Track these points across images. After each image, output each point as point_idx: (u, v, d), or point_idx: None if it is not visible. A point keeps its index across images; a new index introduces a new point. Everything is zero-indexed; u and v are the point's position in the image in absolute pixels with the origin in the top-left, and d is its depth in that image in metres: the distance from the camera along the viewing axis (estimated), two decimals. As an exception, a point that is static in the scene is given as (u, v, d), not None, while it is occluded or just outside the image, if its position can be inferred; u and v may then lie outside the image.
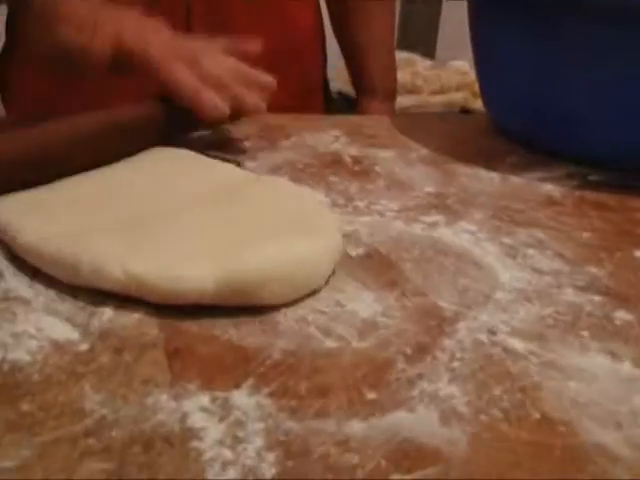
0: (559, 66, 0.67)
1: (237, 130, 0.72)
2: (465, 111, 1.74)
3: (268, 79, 0.68)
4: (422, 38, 2.33)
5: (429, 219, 0.56)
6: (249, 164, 0.63)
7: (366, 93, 1.11)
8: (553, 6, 0.64)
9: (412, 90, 1.69)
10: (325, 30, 1.10)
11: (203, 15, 0.89)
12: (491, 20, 0.73)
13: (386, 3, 1.11)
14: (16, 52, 0.95)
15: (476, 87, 1.74)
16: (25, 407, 0.32)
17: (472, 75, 1.80)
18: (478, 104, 1.79)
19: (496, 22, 0.71)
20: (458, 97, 1.72)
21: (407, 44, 2.11)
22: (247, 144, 0.69)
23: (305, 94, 1.03)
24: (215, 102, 0.62)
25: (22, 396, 0.33)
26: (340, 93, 1.74)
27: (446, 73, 1.77)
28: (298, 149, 0.69)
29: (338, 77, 1.58)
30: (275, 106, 0.95)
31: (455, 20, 2.43)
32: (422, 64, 1.82)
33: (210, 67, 0.65)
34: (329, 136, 0.73)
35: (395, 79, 1.13)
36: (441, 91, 1.73)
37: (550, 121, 0.70)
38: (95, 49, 0.64)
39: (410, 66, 1.76)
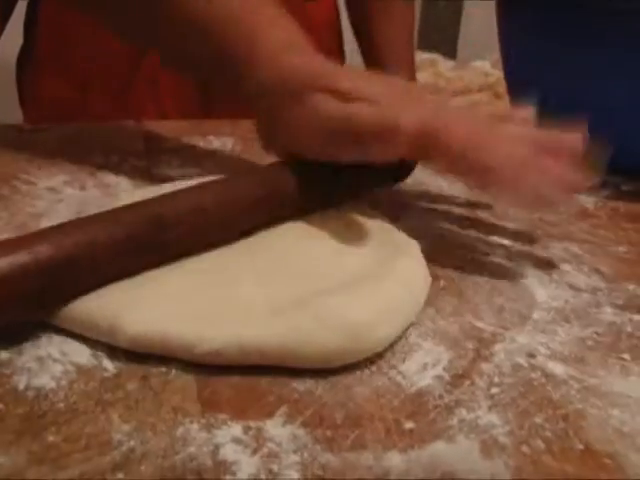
0: (594, 73, 0.65)
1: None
2: (487, 113, 1.73)
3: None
4: (443, 38, 2.31)
5: (461, 233, 0.54)
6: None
7: None
8: (589, 14, 0.62)
9: (434, 91, 1.68)
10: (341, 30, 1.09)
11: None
12: (523, 26, 0.71)
13: (406, 2, 1.10)
14: (34, 53, 0.95)
15: (498, 88, 1.73)
16: (50, 438, 0.31)
17: (494, 76, 1.78)
18: (500, 106, 1.77)
19: (529, 28, 0.70)
20: (480, 98, 1.71)
21: (428, 44, 2.10)
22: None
23: None
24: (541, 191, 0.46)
25: (47, 426, 0.31)
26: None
27: (468, 74, 1.76)
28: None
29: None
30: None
31: (476, 19, 2.42)
32: (444, 65, 1.80)
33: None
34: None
35: (414, 78, 1.12)
36: (463, 92, 1.72)
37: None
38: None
39: (432, 67, 1.75)
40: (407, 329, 0.41)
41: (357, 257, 0.44)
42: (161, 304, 0.38)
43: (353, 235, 0.47)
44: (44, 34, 0.93)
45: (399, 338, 0.40)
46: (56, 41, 0.92)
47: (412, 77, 1.12)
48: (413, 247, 0.46)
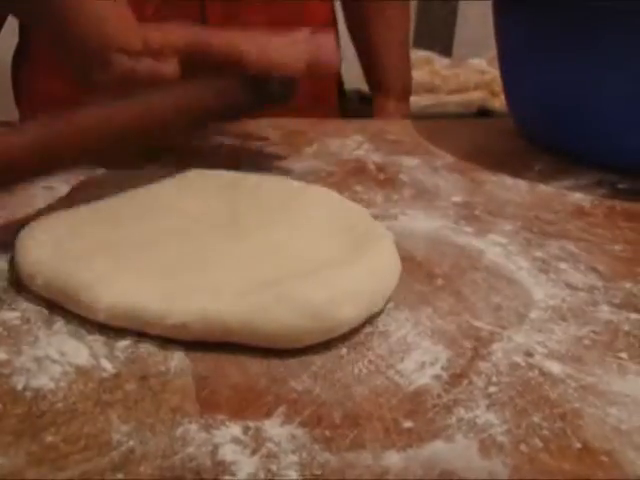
0: (589, 71, 0.65)
1: (258, 136, 0.70)
2: (483, 110, 1.73)
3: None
4: (439, 36, 2.31)
5: (458, 231, 0.54)
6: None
7: (381, 92, 1.10)
8: (585, 12, 0.62)
9: (430, 89, 1.68)
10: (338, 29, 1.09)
11: (218, 14, 0.89)
12: (519, 23, 0.71)
13: (401, 3, 1.10)
14: (29, 51, 0.94)
15: (494, 86, 1.74)
16: (49, 439, 0.31)
17: (490, 74, 1.78)
18: (496, 103, 1.77)
19: (525, 25, 0.70)
20: (476, 96, 1.71)
21: (424, 42, 2.10)
22: (269, 150, 0.67)
23: (320, 93, 1.02)
24: (289, 50, 0.59)
25: (46, 427, 0.31)
26: (353, 91, 1.72)
27: (464, 72, 1.76)
28: (321, 156, 0.67)
29: (350, 74, 1.58)
30: (290, 106, 0.94)
31: (472, 17, 2.42)
32: (440, 63, 1.80)
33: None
34: (352, 142, 0.71)
35: (410, 78, 1.12)
36: (459, 90, 1.72)
37: (578, 127, 0.68)
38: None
39: (428, 65, 1.74)
40: (377, 317, 0.42)
41: (330, 244, 0.45)
42: (137, 279, 0.40)
43: (329, 223, 0.48)
44: (40, 32, 0.92)
45: (398, 337, 0.40)
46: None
47: (408, 78, 1.12)
48: (386, 237, 0.47)
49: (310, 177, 0.62)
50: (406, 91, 1.11)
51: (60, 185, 0.55)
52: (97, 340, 0.38)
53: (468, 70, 1.77)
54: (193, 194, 0.51)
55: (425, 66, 1.72)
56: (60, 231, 0.45)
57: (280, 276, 0.41)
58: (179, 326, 0.37)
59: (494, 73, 1.76)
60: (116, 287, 0.39)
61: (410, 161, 0.68)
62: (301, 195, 0.52)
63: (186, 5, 0.87)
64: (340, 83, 1.11)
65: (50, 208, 0.49)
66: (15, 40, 0.96)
